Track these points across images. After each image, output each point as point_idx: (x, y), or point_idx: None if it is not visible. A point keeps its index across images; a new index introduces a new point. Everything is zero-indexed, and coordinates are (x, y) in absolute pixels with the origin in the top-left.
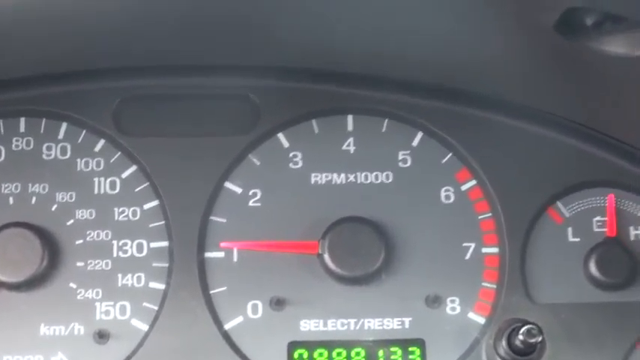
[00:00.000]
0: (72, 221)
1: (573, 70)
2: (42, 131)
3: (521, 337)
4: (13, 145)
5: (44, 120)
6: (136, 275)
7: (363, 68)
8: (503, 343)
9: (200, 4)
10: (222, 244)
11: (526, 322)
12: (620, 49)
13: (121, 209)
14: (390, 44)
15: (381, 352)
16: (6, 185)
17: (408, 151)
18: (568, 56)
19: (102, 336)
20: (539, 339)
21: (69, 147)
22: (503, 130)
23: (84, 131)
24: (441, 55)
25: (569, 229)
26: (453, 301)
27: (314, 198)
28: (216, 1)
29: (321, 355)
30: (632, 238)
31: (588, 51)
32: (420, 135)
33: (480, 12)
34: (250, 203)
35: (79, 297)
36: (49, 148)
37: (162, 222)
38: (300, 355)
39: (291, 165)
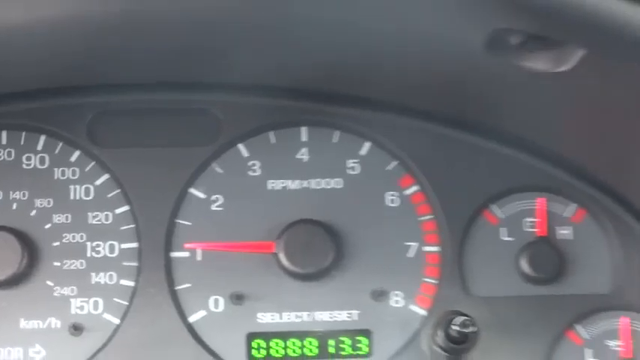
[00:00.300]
0: (49, 225)
1: (503, 85)
2: (22, 143)
3: (456, 327)
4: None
5: (24, 133)
6: (108, 274)
7: (316, 85)
8: (441, 332)
9: (165, 35)
10: (187, 245)
11: (461, 314)
12: (543, 65)
13: (94, 214)
14: (336, 64)
15: (331, 342)
16: None
17: (357, 160)
18: (497, 72)
19: (76, 329)
20: (474, 329)
21: (47, 157)
22: (443, 141)
23: (61, 143)
24: (383, 72)
25: (503, 230)
26: (396, 295)
27: (271, 202)
28: (180, 31)
29: (277, 344)
30: (559, 237)
31: (515, 67)
32: (367, 145)
33: (415, 34)
34: (213, 207)
35: (55, 294)
36: (28, 159)
37: (133, 225)
38: (258, 345)
39: (249, 172)
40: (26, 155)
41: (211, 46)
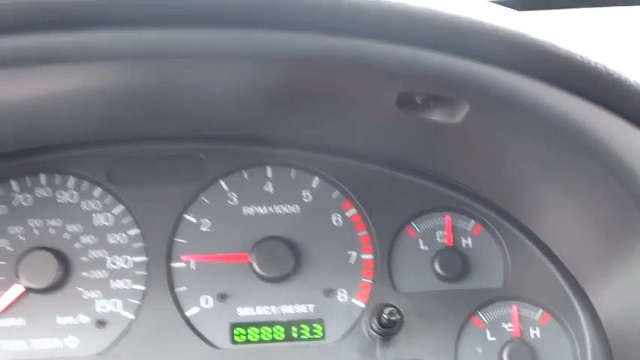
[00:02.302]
0: (78, 244)
1: (413, 132)
2: (56, 183)
3: (386, 316)
4: (36, 193)
5: (57, 175)
6: (124, 280)
7: (276, 135)
8: (375, 320)
9: (168, 105)
10: (183, 257)
11: (390, 306)
12: (441, 118)
13: (112, 235)
14: (286, 123)
15: (294, 329)
16: (32, 221)
17: (309, 190)
18: (407, 122)
19: (101, 323)
20: (398, 317)
21: (76, 194)
22: (372, 175)
23: (86, 182)
24: (320, 127)
25: (421, 241)
26: (342, 292)
27: (245, 224)
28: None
29: (253, 331)
30: (463, 245)
31: (420, 119)
32: (316, 179)
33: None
34: (202, 229)
35: (84, 297)
36: (61, 195)
37: (142, 243)
38: (239, 332)
39: (229, 202)
40: (59, 192)
41: (200, 112)
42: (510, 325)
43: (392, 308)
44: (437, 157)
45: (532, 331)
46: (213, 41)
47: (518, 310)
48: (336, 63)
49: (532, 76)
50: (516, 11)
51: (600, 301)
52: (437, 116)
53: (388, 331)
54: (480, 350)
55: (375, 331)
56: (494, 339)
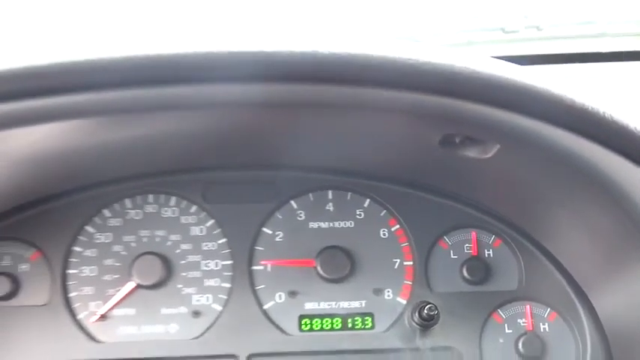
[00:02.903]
0: (179, 250)
1: (449, 164)
2: (161, 201)
3: (426, 311)
4: (145, 209)
5: (162, 195)
6: (214, 279)
7: (336, 165)
8: (416, 314)
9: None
10: (262, 262)
11: (429, 303)
12: (475, 154)
13: (205, 244)
14: (346, 158)
15: (349, 320)
16: (142, 231)
17: (362, 210)
18: (445, 157)
19: (196, 313)
20: (436, 312)
21: (176, 210)
22: (412, 197)
23: (185, 201)
24: (375, 161)
25: (451, 251)
26: (388, 291)
27: (311, 236)
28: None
29: (316, 322)
30: (486, 255)
31: (457, 155)
32: (368, 201)
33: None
34: (276, 239)
35: (183, 292)
36: (165, 210)
37: (229, 250)
38: (305, 322)
39: (298, 218)
40: (164, 208)
41: (279, 147)
42: (524, 320)
43: (431, 305)
44: (466, 184)
45: (542, 326)
46: (309, 95)
47: (530, 308)
48: (411, 114)
49: (553, 123)
50: (522, 66)
51: (599, 302)
52: (471, 153)
53: (427, 323)
54: (500, 340)
55: (416, 323)
56: (511, 331)
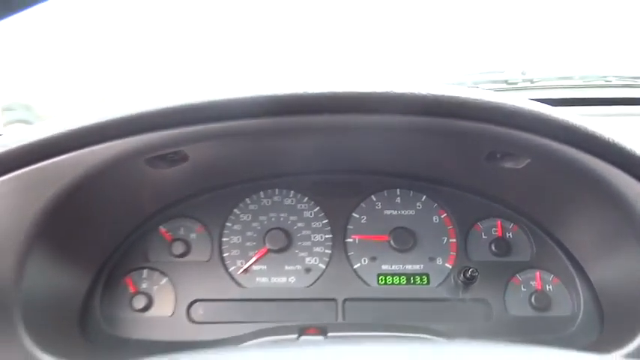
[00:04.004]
0: (296, 227)
1: (489, 172)
2: (284, 193)
3: (469, 273)
4: (274, 199)
5: (284, 190)
6: (320, 247)
7: (403, 171)
8: (461, 275)
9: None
10: (352, 236)
11: (470, 267)
12: (510, 165)
13: (313, 223)
14: (412, 165)
15: (412, 278)
16: (271, 214)
17: (420, 202)
18: (488, 168)
19: (307, 270)
20: (477, 274)
21: (294, 199)
22: (456, 195)
23: (300, 194)
24: (429, 169)
25: (483, 233)
26: (439, 259)
27: (386, 219)
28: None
29: (389, 278)
30: (507, 236)
31: (498, 166)
32: (424, 197)
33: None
34: (362, 221)
35: (298, 255)
36: (287, 200)
37: (329, 228)
38: (382, 278)
39: (376, 207)
40: (286, 199)
41: (368, 159)
42: (535, 282)
43: (473, 269)
44: (497, 185)
45: (547, 287)
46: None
47: (539, 274)
48: (473, 138)
49: (571, 145)
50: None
51: (591, 270)
52: (508, 164)
53: (469, 282)
54: (519, 296)
55: (461, 281)
56: (525, 290)
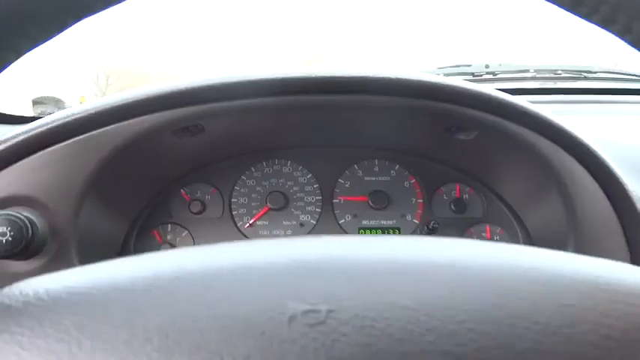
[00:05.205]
0: (292, 190)
1: (447, 143)
2: (282, 162)
3: (431, 225)
4: (274, 167)
5: (283, 159)
6: (312, 206)
7: (381, 144)
8: (426, 228)
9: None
10: (339, 197)
11: (433, 221)
12: (463, 137)
13: (306, 187)
14: (386, 140)
15: (386, 231)
16: (272, 179)
17: (394, 170)
18: (446, 139)
19: (301, 225)
20: (437, 226)
21: (291, 168)
22: (422, 162)
23: (296, 163)
24: (405, 142)
25: (444, 195)
26: (409, 216)
27: (366, 184)
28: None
29: (368, 231)
30: (464, 197)
31: (453, 138)
32: (397, 165)
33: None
34: (346, 185)
35: (294, 213)
36: (284, 168)
37: (320, 191)
38: (362, 231)
39: (358, 174)
40: (284, 167)
41: (348, 133)
42: (485, 233)
43: (435, 221)
44: (455, 154)
45: (495, 237)
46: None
47: (489, 227)
48: (434, 115)
49: (507, 119)
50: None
51: (527, 220)
52: (461, 136)
53: (431, 232)
54: None
55: (425, 232)
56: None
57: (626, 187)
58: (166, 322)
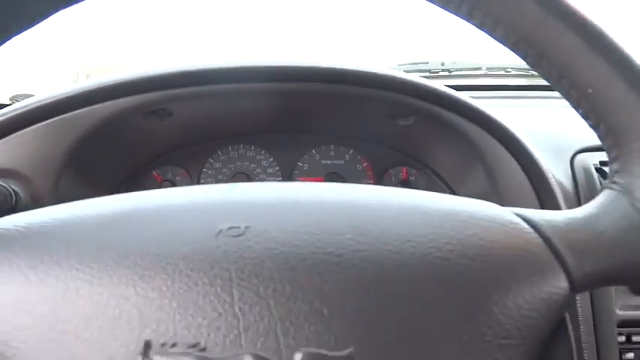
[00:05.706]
0: (255, 172)
1: (390, 127)
2: (247, 147)
3: None
4: (239, 152)
5: (247, 145)
6: (279, 179)
7: (336, 132)
8: None
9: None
10: (298, 178)
11: None
12: (403, 122)
13: (268, 169)
14: (340, 127)
15: None
16: (237, 162)
17: (348, 154)
18: (387, 124)
19: None
20: None
21: (254, 152)
22: (373, 147)
23: (259, 148)
24: (354, 128)
25: (393, 177)
26: None
27: (322, 167)
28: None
29: None
30: (411, 179)
31: (398, 124)
32: (352, 150)
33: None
34: (304, 168)
35: None
36: (248, 153)
37: (280, 173)
38: None
39: (315, 158)
40: (248, 152)
41: (305, 120)
42: None
43: None
44: (399, 139)
45: None
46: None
47: None
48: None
49: (438, 105)
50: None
51: (459, 192)
52: (402, 122)
53: None
54: None
55: None
56: None
57: (534, 157)
58: (126, 241)
